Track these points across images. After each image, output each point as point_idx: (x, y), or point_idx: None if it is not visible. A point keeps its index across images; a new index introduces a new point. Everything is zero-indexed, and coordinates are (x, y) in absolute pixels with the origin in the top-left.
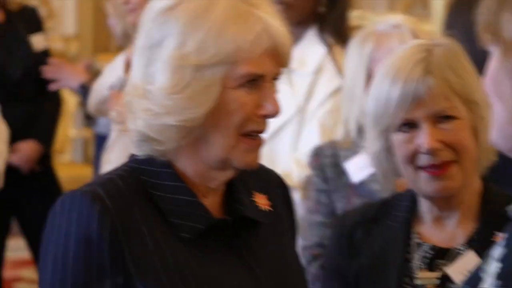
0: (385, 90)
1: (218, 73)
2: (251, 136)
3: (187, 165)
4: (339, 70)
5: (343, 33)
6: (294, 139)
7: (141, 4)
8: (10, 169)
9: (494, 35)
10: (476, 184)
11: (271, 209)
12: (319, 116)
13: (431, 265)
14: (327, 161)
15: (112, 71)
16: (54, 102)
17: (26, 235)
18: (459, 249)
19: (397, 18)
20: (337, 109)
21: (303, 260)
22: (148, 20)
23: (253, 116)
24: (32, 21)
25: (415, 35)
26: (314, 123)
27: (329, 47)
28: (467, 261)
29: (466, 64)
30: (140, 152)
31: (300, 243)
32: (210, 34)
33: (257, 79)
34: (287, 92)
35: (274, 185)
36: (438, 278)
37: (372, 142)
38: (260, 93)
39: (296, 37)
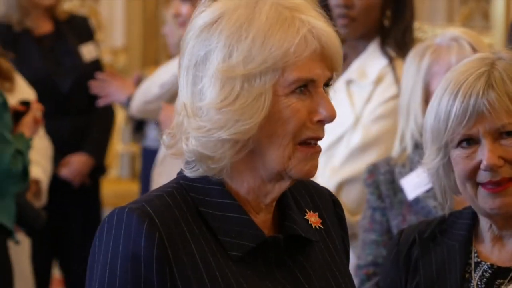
0: (445, 105)
1: (267, 81)
2: (308, 144)
3: (241, 182)
4: (398, 79)
5: (405, 47)
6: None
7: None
8: (60, 182)
9: None
10: None
11: (322, 226)
12: (367, 121)
13: (490, 285)
14: (382, 178)
15: (165, 70)
16: (106, 115)
17: (60, 251)
18: None
19: (455, 31)
20: (387, 116)
21: (356, 279)
22: (191, 39)
23: (308, 123)
24: (82, 30)
25: (474, 48)
26: (359, 130)
27: (390, 59)
28: None
29: None
30: (193, 173)
31: (354, 262)
32: (255, 42)
33: (308, 85)
34: (346, 103)
35: (327, 203)
36: None
37: (430, 157)
38: (313, 99)
39: (359, 50)
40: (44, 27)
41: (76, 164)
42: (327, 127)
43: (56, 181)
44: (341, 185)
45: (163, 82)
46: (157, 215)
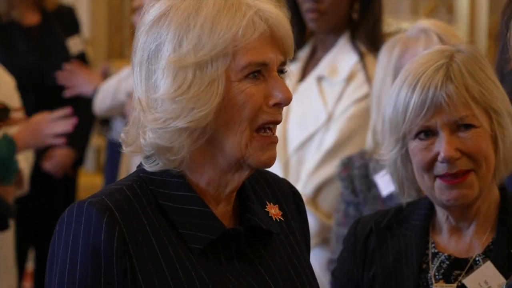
0: (404, 96)
1: (219, 67)
2: (266, 131)
3: (200, 173)
4: (369, 78)
5: (376, 41)
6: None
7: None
8: (43, 175)
9: None
10: (493, 194)
11: (282, 218)
12: (339, 122)
13: (447, 276)
14: (357, 173)
15: (130, 76)
16: (88, 108)
17: (35, 243)
18: (476, 260)
19: (425, 22)
20: (360, 116)
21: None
22: (141, 34)
23: (264, 107)
24: (69, 22)
25: (442, 39)
26: (333, 129)
27: (361, 55)
28: (484, 272)
29: (487, 71)
30: (154, 167)
31: (327, 256)
32: (203, 30)
33: (262, 69)
34: (318, 100)
35: (287, 195)
36: None
37: (388, 149)
38: (268, 83)
39: (329, 44)
40: (32, 18)
41: (59, 157)
42: (299, 125)
43: (37, 172)
44: (318, 189)
45: (130, 91)
46: (117, 208)
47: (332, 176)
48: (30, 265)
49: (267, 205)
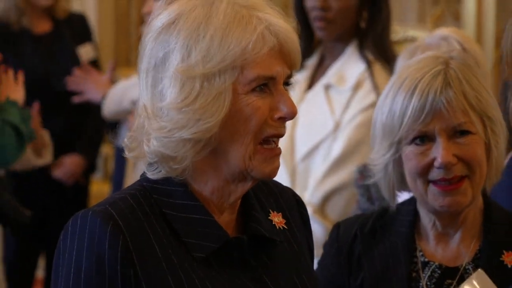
0: (401, 101)
1: (227, 80)
2: (270, 144)
3: (204, 182)
4: (376, 86)
5: (383, 49)
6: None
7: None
8: (54, 182)
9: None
10: (479, 201)
11: (286, 227)
12: (346, 130)
13: (439, 285)
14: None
15: (137, 85)
16: (98, 116)
17: (47, 251)
18: (467, 269)
19: (445, 30)
20: (367, 124)
21: None
22: (149, 41)
23: (269, 120)
24: (80, 30)
25: (463, 46)
26: (340, 137)
27: (369, 64)
28: (476, 281)
29: (480, 78)
30: (156, 174)
31: None
32: (213, 41)
33: (268, 83)
34: (326, 108)
35: (290, 203)
36: None
37: (380, 153)
38: (273, 97)
39: (337, 53)
40: (43, 26)
41: (69, 165)
42: (307, 133)
43: (48, 179)
44: (326, 198)
45: (135, 99)
46: (120, 217)
47: (340, 185)
48: (40, 273)
49: (271, 213)
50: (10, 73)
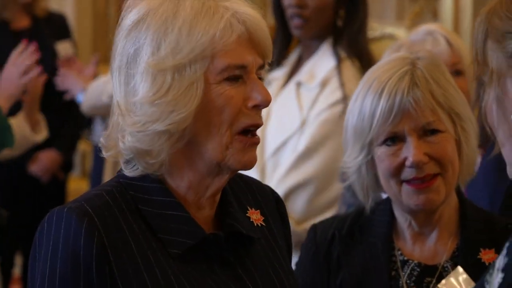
0: (370, 103)
1: (198, 70)
2: (246, 134)
3: (180, 178)
4: (343, 83)
5: (357, 47)
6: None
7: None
8: (31, 180)
9: (483, 65)
10: (453, 199)
11: (264, 224)
12: (312, 127)
13: (419, 283)
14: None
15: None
16: (76, 112)
17: (24, 249)
18: (445, 267)
19: (430, 26)
20: (332, 121)
21: None
22: (120, 39)
23: (244, 109)
24: (59, 28)
25: (449, 42)
26: (306, 133)
27: (339, 61)
28: (455, 278)
29: (447, 76)
30: (133, 172)
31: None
32: (181, 33)
33: (240, 72)
34: (295, 105)
35: (269, 201)
36: None
37: (352, 156)
38: (246, 85)
39: (312, 50)
40: (22, 22)
41: (46, 160)
42: (276, 130)
43: (25, 177)
44: (287, 194)
45: (111, 94)
46: (96, 214)
47: (303, 181)
48: (17, 271)
49: (249, 210)
50: None
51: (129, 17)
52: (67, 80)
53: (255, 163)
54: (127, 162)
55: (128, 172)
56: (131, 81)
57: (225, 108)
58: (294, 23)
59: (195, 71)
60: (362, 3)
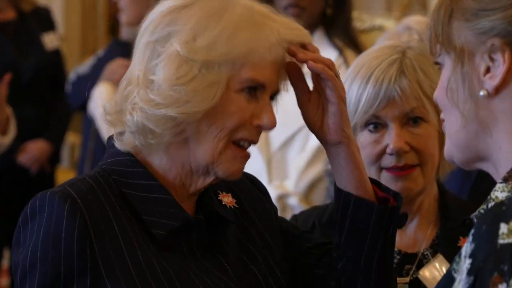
0: (357, 88)
1: (224, 72)
2: (241, 145)
3: (169, 167)
4: None
5: (351, 36)
6: (303, 148)
7: (129, 5)
8: (19, 172)
9: (446, 45)
10: (434, 190)
11: (236, 206)
12: None
13: (399, 270)
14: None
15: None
16: (64, 104)
17: (11, 241)
18: (425, 254)
19: (411, 20)
20: None
21: None
22: (157, 16)
23: (248, 124)
24: (45, 20)
25: (421, 38)
26: None
27: (340, 51)
28: (436, 265)
29: (436, 68)
30: (124, 146)
31: None
32: (222, 33)
33: (258, 89)
34: None
35: (241, 182)
36: (407, 283)
37: None
38: (259, 104)
39: None
40: (8, 13)
41: (35, 150)
42: (283, 123)
43: (13, 168)
44: (311, 186)
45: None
46: (79, 197)
47: (322, 173)
48: (6, 263)
49: (220, 194)
50: None
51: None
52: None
53: (240, 176)
54: (120, 133)
55: (119, 144)
56: (154, 58)
57: (233, 116)
58: (292, 12)
59: (221, 72)
60: None
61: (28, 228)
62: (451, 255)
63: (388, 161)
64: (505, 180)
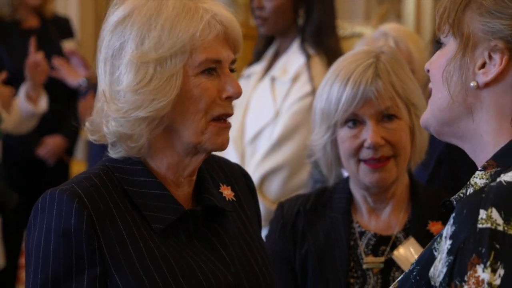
0: (337, 90)
1: (178, 63)
2: (219, 120)
3: (160, 159)
4: (312, 78)
5: (322, 44)
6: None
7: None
8: (37, 161)
9: (455, 28)
10: (405, 179)
11: (234, 198)
12: (285, 117)
13: (375, 251)
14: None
15: None
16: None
17: None
18: (398, 236)
19: (387, 27)
20: (303, 112)
21: None
22: (106, 34)
23: (218, 100)
24: (64, 28)
25: (397, 43)
26: (279, 123)
27: (308, 57)
28: (409, 246)
29: (406, 70)
30: (117, 154)
31: None
32: (164, 30)
33: (215, 66)
34: (269, 98)
35: (238, 177)
36: (382, 262)
37: (319, 135)
38: (221, 79)
39: (286, 47)
40: (31, 22)
41: (52, 145)
42: (254, 120)
43: (32, 160)
44: (264, 178)
45: None
46: (85, 194)
47: (277, 166)
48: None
49: (221, 186)
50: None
51: (116, 14)
52: (60, 72)
53: (228, 145)
54: (113, 145)
55: (113, 154)
56: (115, 71)
57: (201, 98)
58: (257, 22)
59: (175, 64)
60: (320, 3)
61: (39, 222)
62: (421, 237)
63: (365, 153)
64: (484, 168)
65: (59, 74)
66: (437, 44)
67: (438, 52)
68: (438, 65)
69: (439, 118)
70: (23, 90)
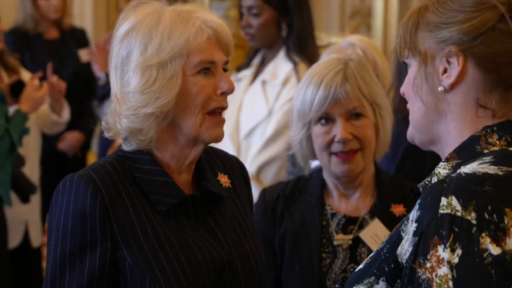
0: (311, 92)
1: (177, 65)
2: (215, 113)
3: (164, 150)
4: (300, 81)
5: (305, 52)
6: (262, 136)
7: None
8: (58, 154)
9: (413, 50)
10: (371, 168)
11: (230, 186)
12: (277, 116)
13: (345, 230)
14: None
15: None
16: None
17: None
18: (365, 217)
19: (354, 37)
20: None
21: None
22: (116, 45)
23: (213, 96)
24: (80, 38)
25: (364, 52)
26: (272, 121)
27: (295, 64)
28: (374, 226)
29: (372, 75)
30: (128, 147)
31: None
32: (163, 37)
33: (210, 66)
34: (262, 98)
35: (235, 168)
36: (350, 240)
37: (296, 131)
38: (215, 77)
39: (272, 55)
40: (52, 33)
41: (71, 139)
42: (248, 118)
43: (54, 153)
44: (260, 168)
45: None
46: (100, 180)
47: (271, 158)
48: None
49: (219, 175)
50: (35, 79)
51: (122, 28)
52: (93, 60)
53: (223, 137)
54: (125, 139)
55: (126, 147)
56: (125, 76)
57: (199, 94)
58: (246, 38)
59: (175, 66)
60: (299, 17)
61: (59, 203)
62: (385, 218)
63: (336, 147)
64: (447, 159)
65: (92, 58)
66: (404, 64)
67: (407, 76)
68: (407, 83)
69: (418, 128)
70: (48, 102)
